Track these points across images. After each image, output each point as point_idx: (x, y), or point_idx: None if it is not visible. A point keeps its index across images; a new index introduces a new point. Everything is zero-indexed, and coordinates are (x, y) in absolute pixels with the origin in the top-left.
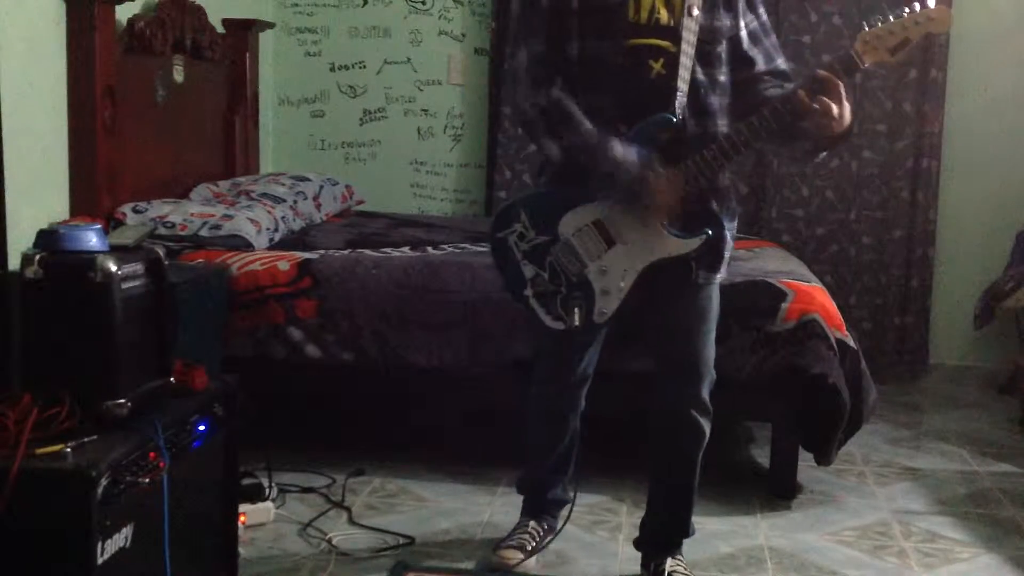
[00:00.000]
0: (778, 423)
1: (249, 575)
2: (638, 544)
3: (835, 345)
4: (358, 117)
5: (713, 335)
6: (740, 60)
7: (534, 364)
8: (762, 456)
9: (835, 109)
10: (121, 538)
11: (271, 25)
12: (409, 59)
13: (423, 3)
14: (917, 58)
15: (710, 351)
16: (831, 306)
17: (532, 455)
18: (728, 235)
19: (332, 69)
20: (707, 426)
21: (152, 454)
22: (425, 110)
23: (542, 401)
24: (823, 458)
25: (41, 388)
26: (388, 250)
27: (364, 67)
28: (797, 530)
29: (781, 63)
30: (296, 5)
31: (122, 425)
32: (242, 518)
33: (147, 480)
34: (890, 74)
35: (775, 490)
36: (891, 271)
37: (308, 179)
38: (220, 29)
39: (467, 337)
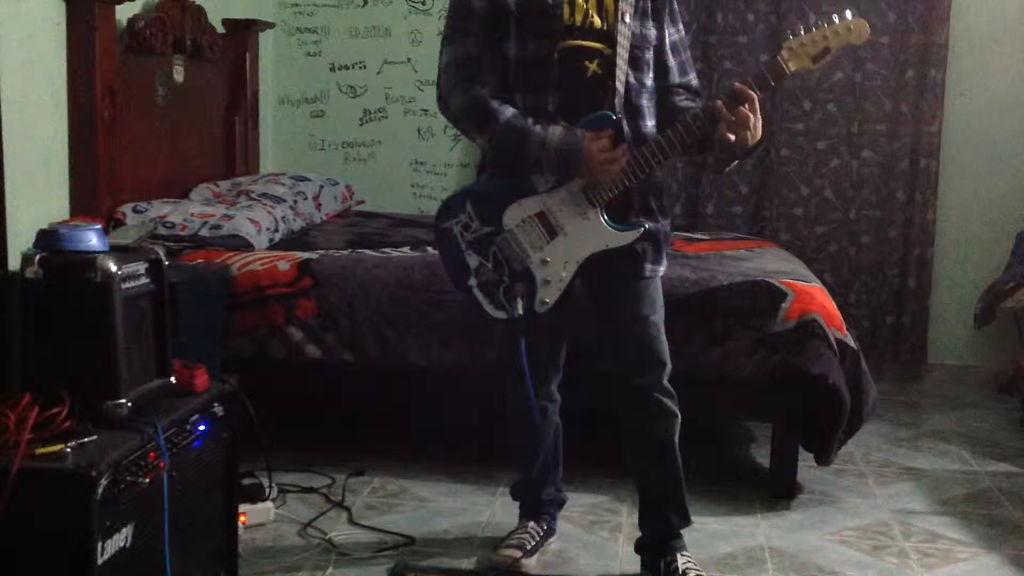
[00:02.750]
0: (778, 423)
1: (249, 575)
2: (640, 547)
3: (835, 345)
4: (358, 117)
5: (663, 326)
6: (660, 68)
7: (502, 371)
8: (762, 456)
9: (751, 120)
10: (121, 538)
11: (271, 25)
12: (409, 59)
13: (423, 3)
14: (916, 58)
15: (664, 341)
16: (831, 306)
17: (519, 459)
18: (663, 230)
19: (332, 69)
20: (675, 407)
21: (152, 454)
22: (425, 110)
23: (518, 403)
24: (823, 458)
25: (41, 388)
26: (388, 250)
27: (364, 67)
28: (797, 530)
29: (693, 79)
30: (296, 5)
31: (122, 425)
32: (242, 518)
33: (147, 480)
34: (890, 74)
35: (775, 490)
36: (890, 270)
37: (308, 179)
38: (220, 29)
39: (467, 337)
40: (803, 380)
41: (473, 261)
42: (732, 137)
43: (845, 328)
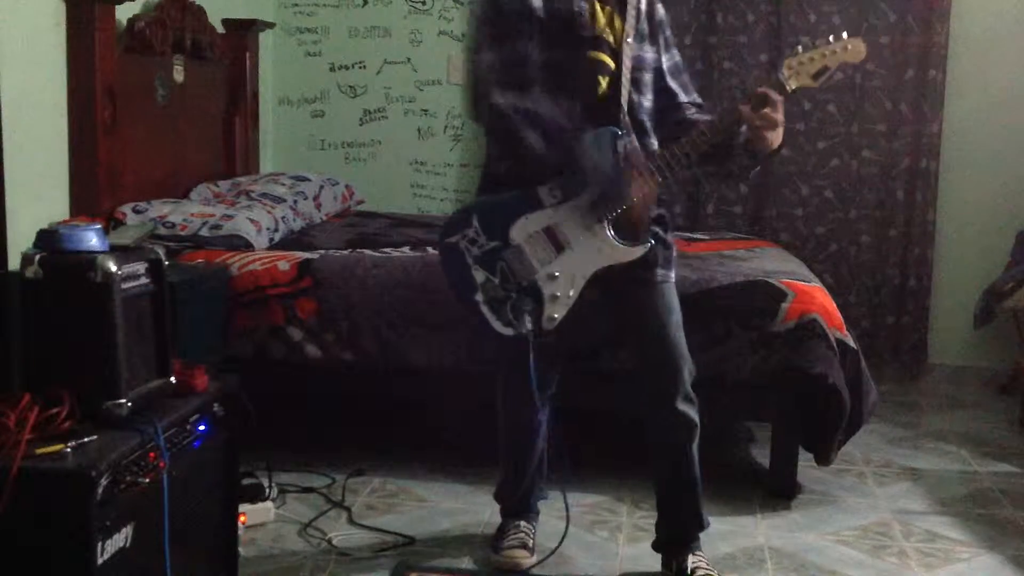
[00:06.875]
0: (778, 423)
1: (249, 575)
2: (656, 547)
3: (835, 345)
4: (358, 117)
5: (682, 328)
6: (662, 91)
7: (498, 380)
8: (762, 456)
9: (778, 121)
10: (121, 538)
11: (271, 25)
12: (409, 59)
13: (423, 3)
14: (916, 58)
15: (684, 343)
16: (831, 306)
17: (507, 463)
18: (670, 239)
19: (332, 69)
20: (696, 415)
21: (152, 454)
22: (425, 110)
23: (511, 415)
24: (823, 458)
25: (41, 388)
26: (388, 250)
27: (364, 67)
28: (797, 530)
29: (696, 97)
30: (296, 5)
31: (122, 425)
32: (242, 518)
33: (147, 480)
34: (890, 74)
35: (775, 490)
36: (890, 270)
37: (308, 179)
38: (220, 29)
39: (467, 337)
40: (803, 380)
41: (480, 276)
42: (759, 139)
43: (845, 328)
